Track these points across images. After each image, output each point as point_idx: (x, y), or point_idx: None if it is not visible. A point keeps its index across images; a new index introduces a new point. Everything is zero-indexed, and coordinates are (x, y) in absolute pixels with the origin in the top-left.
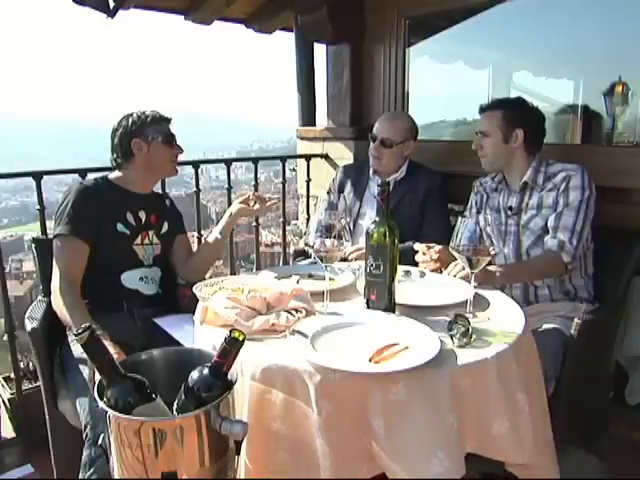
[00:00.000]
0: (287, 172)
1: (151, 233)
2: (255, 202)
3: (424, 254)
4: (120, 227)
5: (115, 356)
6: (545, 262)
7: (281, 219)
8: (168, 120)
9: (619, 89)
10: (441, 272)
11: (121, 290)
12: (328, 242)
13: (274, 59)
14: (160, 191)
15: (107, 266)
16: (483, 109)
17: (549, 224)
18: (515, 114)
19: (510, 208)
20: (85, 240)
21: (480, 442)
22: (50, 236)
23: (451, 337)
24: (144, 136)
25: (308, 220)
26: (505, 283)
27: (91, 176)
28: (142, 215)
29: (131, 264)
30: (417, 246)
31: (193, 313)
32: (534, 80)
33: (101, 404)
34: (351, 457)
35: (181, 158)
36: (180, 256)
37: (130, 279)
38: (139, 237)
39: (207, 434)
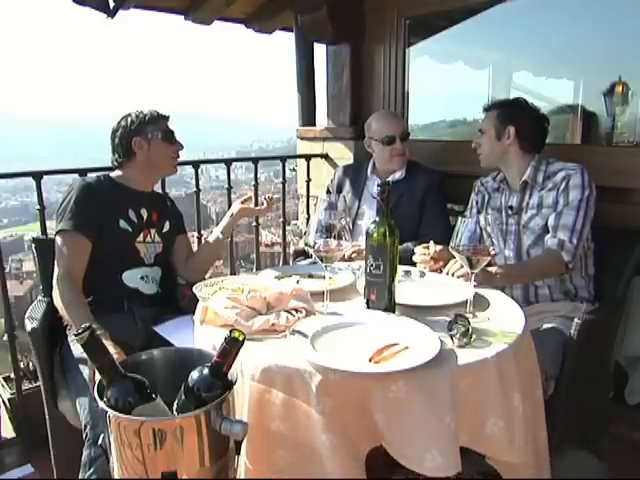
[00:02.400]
0: (287, 172)
1: (153, 231)
2: (256, 203)
3: (423, 254)
4: (122, 224)
5: (115, 356)
6: (545, 262)
7: (281, 219)
8: (166, 117)
9: (619, 89)
10: (441, 272)
11: (122, 289)
12: (328, 242)
13: (274, 59)
14: (160, 191)
15: (108, 264)
16: (484, 109)
17: (549, 223)
18: (508, 112)
19: (510, 207)
20: (87, 236)
21: (473, 438)
22: (50, 236)
23: (451, 337)
24: (144, 134)
25: (308, 220)
26: (505, 284)
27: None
28: (144, 213)
29: (132, 262)
30: (417, 249)
31: (193, 313)
32: (534, 80)
33: (101, 404)
34: (352, 436)
35: (181, 158)
36: (180, 256)
37: (131, 278)
38: (141, 235)
39: (207, 434)
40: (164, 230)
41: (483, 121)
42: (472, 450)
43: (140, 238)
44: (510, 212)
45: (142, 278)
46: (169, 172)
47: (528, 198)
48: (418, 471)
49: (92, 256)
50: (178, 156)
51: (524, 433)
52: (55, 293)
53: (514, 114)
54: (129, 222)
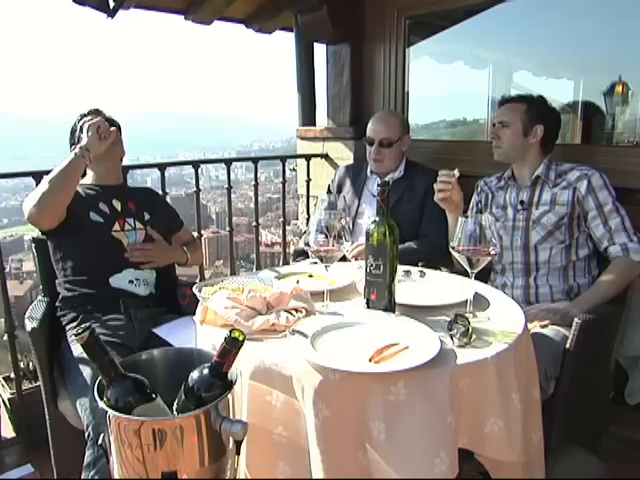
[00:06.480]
0: (287, 172)
1: (131, 220)
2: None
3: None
4: (93, 216)
5: None
6: (617, 271)
7: (281, 219)
8: (89, 113)
9: (619, 89)
10: (440, 270)
11: (113, 293)
12: (328, 242)
13: (274, 59)
14: (159, 190)
15: (94, 265)
16: (506, 100)
17: (597, 234)
18: (538, 110)
19: (522, 202)
20: None
21: (472, 439)
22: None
23: (451, 337)
24: (73, 140)
25: (308, 220)
26: (580, 313)
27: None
28: (116, 204)
29: (118, 255)
30: (441, 172)
31: (193, 313)
32: (534, 80)
33: (101, 404)
34: (351, 444)
35: (181, 158)
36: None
37: (119, 283)
38: (116, 224)
39: (207, 434)
40: (145, 219)
41: (503, 113)
42: (467, 449)
43: (116, 227)
44: (520, 207)
45: (131, 282)
46: (100, 150)
47: (539, 194)
48: (428, 477)
49: (77, 259)
50: (105, 138)
51: (522, 433)
52: (28, 204)
53: (543, 113)
54: (100, 214)
